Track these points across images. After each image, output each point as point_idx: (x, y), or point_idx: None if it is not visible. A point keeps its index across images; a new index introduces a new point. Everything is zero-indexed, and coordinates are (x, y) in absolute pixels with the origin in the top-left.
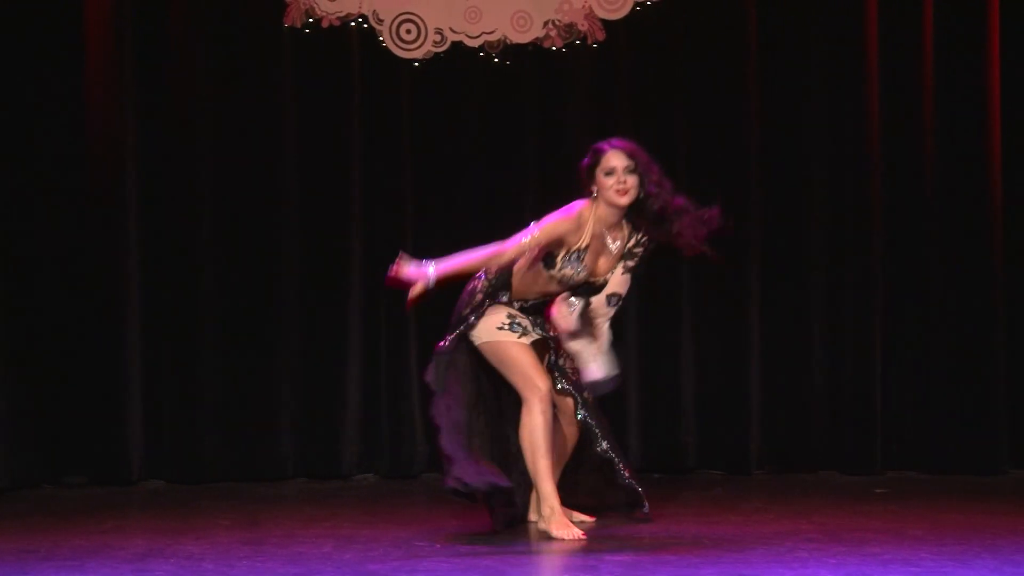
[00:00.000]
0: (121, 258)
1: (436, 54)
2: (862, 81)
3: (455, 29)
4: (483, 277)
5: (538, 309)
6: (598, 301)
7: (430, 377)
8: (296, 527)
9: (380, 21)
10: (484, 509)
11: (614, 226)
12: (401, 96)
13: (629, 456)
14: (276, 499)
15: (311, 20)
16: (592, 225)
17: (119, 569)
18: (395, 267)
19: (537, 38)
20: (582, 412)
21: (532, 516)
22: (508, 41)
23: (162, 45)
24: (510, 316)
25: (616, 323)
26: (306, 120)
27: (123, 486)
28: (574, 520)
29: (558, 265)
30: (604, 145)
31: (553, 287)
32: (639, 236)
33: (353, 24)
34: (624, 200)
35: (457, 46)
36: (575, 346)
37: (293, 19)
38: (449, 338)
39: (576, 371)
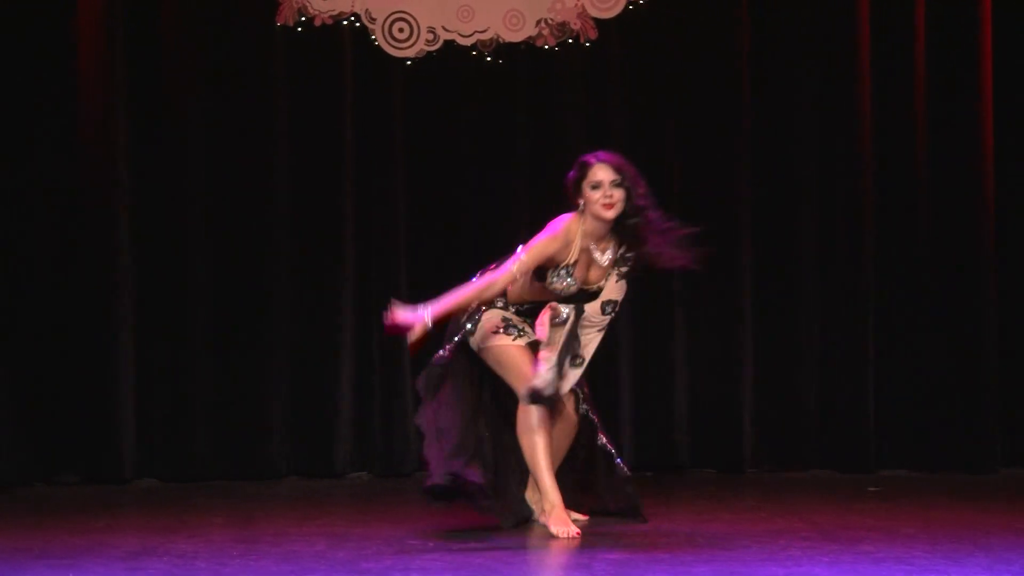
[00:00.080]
0: (113, 257)
1: (428, 53)
2: (854, 80)
3: (447, 28)
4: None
5: (534, 312)
6: (592, 309)
7: (420, 385)
8: (289, 525)
9: (372, 20)
10: (467, 506)
11: (602, 238)
12: (393, 95)
13: (622, 454)
14: (269, 497)
15: (303, 19)
16: (580, 239)
17: (112, 567)
18: (390, 315)
19: (530, 37)
20: (584, 407)
21: (538, 514)
22: (501, 40)
23: (154, 44)
24: (505, 320)
25: (609, 321)
26: (299, 119)
27: (116, 484)
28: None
29: (548, 279)
30: (590, 158)
31: (548, 295)
32: (623, 250)
33: (345, 23)
34: (610, 214)
35: (449, 45)
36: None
37: (286, 18)
38: (448, 347)
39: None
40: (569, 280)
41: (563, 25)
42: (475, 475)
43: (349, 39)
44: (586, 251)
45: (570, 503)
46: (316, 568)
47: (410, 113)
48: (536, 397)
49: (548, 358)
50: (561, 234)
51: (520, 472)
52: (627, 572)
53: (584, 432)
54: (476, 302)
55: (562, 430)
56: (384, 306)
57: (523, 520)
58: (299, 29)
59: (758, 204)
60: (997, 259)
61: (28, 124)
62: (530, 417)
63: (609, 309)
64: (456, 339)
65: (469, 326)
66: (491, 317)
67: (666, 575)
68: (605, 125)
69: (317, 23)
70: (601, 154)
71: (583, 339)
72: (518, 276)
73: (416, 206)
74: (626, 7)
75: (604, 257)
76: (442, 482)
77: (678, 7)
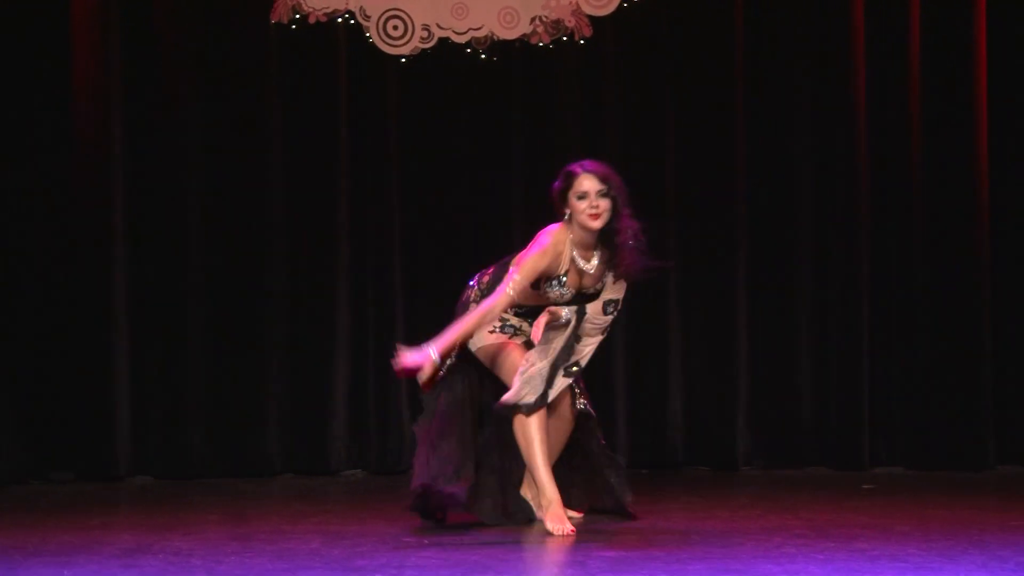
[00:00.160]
0: (107, 254)
1: (423, 50)
2: (849, 78)
3: (442, 25)
4: (475, 286)
5: (534, 312)
6: (594, 309)
7: (424, 398)
8: (284, 523)
9: (367, 17)
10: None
11: (588, 247)
12: (388, 92)
13: (617, 452)
14: (264, 495)
15: (298, 16)
16: (568, 249)
17: (107, 565)
18: (397, 360)
19: (524, 34)
20: (582, 403)
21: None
22: (495, 37)
23: (148, 40)
24: (501, 320)
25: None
26: (293, 116)
27: (111, 482)
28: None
29: (542, 289)
30: (576, 167)
31: (546, 300)
32: (606, 257)
33: (340, 20)
34: (597, 224)
35: (444, 42)
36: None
37: (280, 15)
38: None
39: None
40: (563, 290)
41: (557, 23)
42: (453, 489)
43: (343, 36)
44: (576, 260)
45: (566, 500)
46: (311, 565)
47: (405, 111)
48: (508, 410)
49: (528, 367)
50: (550, 248)
51: (518, 469)
52: (622, 570)
53: (580, 428)
54: (478, 329)
55: (558, 427)
56: (379, 303)
57: (520, 517)
58: (293, 27)
59: (753, 202)
60: (992, 258)
61: (24, 123)
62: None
63: (611, 309)
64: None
65: None
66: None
67: (661, 573)
68: (600, 123)
69: (311, 20)
70: (587, 163)
71: (583, 342)
72: (515, 297)
73: (411, 203)
74: (620, 5)
75: (589, 265)
76: (418, 496)
77: (672, 5)
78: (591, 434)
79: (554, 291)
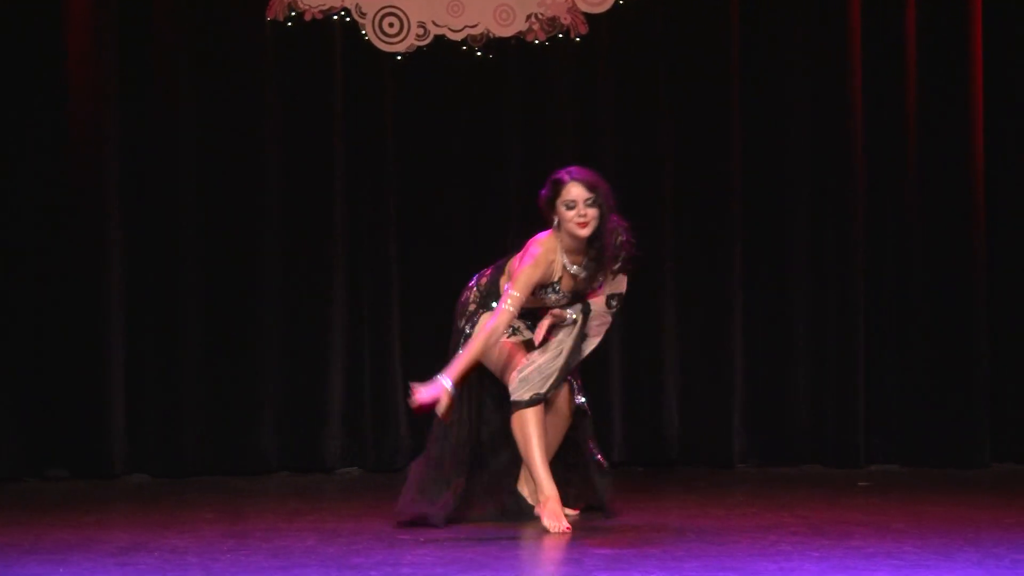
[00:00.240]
0: (103, 252)
1: (419, 48)
2: (845, 77)
3: (438, 22)
4: (473, 288)
5: (530, 313)
6: (598, 306)
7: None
8: (280, 521)
9: (363, 14)
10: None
11: (577, 252)
12: (384, 90)
13: (613, 450)
14: (259, 493)
15: (294, 13)
16: (559, 256)
17: (102, 562)
18: (414, 400)
19: (520, 32)
20: (580, 399)
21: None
22: (491, 35)
23: (144, 38)
24: None
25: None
26: (289, 114)
27: (106, 480)
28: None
29: (538, 296)
30: (564, 175)
31: (543, 304)
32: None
33: (336, 17)
34: (585, 232)
35: (440, 40)
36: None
37: (276, 12)
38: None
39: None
40: (558, 295)
41: (553, 20)
42: (438, 506)
43: (339, 34)
44: (567, 266)
45: (563, 498)
46: (307, 563)
47: (400, 108)
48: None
49: (526, 366)
50: (542, 258)
51: (515, 466)
52: (618, 567)
53: (576, 426)
54: (487, 350)
55: (555, 423)
56: (375, 300)
57: (517, 514)
58: (289, 24)
59: (749, 200)
60: (987, 256)
61: (20, 123)
62: (524, 413)
63: (614, 303)
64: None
65: (468, 329)
66: (487, 318)
67: (657, 570)
68: (595, 120)
69: (307, 17)
70: (574, 171)
71: (587, 341)
72: (515, 312)
73: (406, 200)
74: (616, 2)
75: (581, 269)
76: (407, 518)
77: (668, 2)
78: (586, 432)
79: (550, 297)
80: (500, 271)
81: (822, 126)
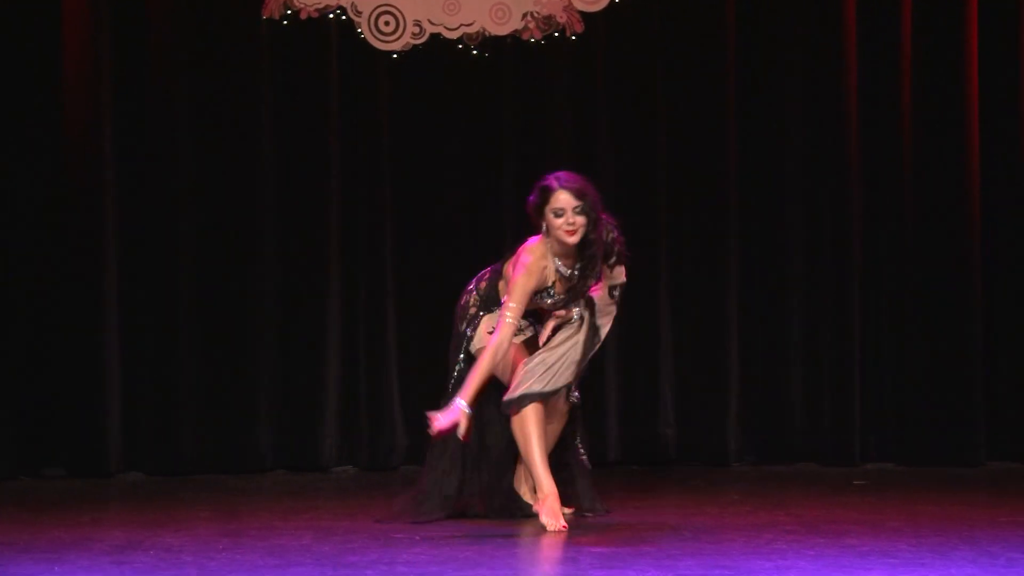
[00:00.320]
0: (99, 250)
1: (415, 46)
2: (841, 76)
3: (433, 21)
4: (472, 291)
5: (532, 313)
6: (601, 299)
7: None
8: (275, 519)
9: (358, 13)
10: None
11: (567, 256)
12: (380, 88)
13: (609, 448)
14: (255, 491)
15: (289, 12)
16: (551, 261)
17: (98, 561)
18: (433, 427)
19: (516, 30)
20: (575, 395)
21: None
22: (487, 33)
23: (139, 36)
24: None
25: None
26: (285, 112)
27: (101, 478)
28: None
29: (534, 301)
30: (552, 182)
31: (541, 305)
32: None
33: (331, 16)
34: (573, 240)
35: (435, 38)
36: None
37: (271, 10)
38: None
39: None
40: (555, 298)
41: (549, 18)
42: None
43: (335, 32)
44: (559, 270)
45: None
46: (302, 561)
47: (396, 106)
48: (510, 406)
49: (530, 361)
50: (534, 267)
51: (513, 463)
52: (613, 565)
53: (572, 422)
54: (495, 366)
55: (552, 419)
56: (370, 298)
57: (514, 512)
58: (285, 22)
59: (745, 199)
60: (983, 255)
61: (15, 122)
62: (524, 411)
63: (616, 292)
64: (460, 355)
65: (469, 332)
66: (489, 320)
67: (652, 568)
68: (591, 118)
69: (303, 16)
70: (562, 177)
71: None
72: (517, 323)
73: (402, 198)
74: (612, 1)
75: (574, 272)
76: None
77: (664, 1)
78: (575, 428)
79: (546, 300)
80: (498, 274)
81: (818, 125)
